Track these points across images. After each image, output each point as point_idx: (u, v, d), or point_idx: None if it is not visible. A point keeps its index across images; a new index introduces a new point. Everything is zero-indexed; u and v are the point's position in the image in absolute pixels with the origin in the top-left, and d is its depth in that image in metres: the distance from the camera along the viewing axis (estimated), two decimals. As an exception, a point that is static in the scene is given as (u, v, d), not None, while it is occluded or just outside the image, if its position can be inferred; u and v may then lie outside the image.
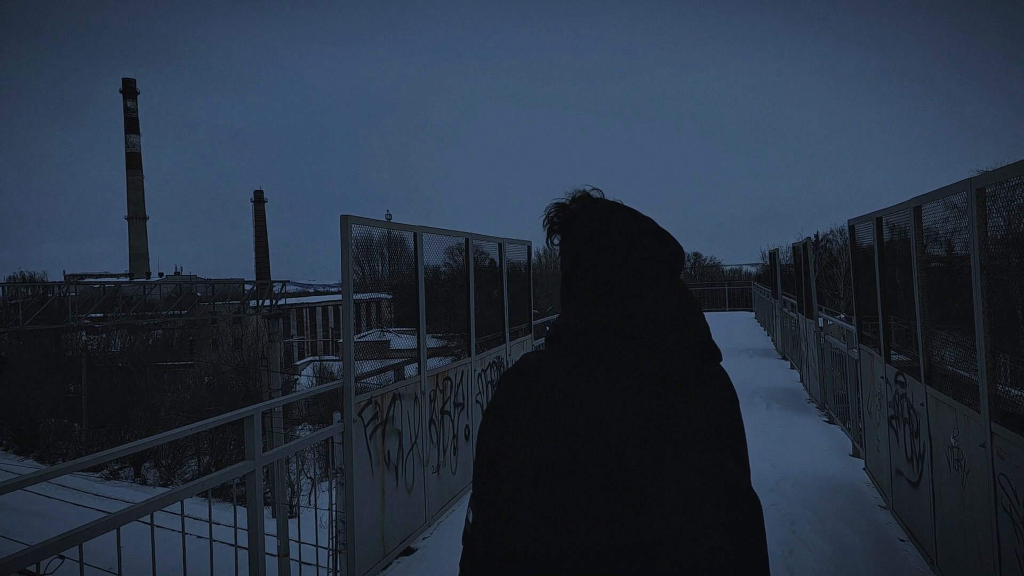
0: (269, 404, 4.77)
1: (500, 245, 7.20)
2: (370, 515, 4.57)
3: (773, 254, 16.38)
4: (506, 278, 7.32)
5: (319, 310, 67.71)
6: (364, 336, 53.68)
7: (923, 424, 4.55)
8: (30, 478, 2.71)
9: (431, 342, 5.65)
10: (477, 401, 6.59)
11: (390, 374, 5.46)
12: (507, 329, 7.38)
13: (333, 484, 4.77)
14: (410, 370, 5.41)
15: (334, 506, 4.76)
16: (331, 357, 49.96)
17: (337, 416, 5.51)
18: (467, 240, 6.32)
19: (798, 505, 5.84)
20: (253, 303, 37.86)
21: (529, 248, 8.30)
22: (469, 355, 6.38)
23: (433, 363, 5.74)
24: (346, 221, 4.33)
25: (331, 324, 66.29)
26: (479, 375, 6.63)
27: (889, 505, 5.65)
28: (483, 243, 6.74)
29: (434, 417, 5.62)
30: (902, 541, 5.11)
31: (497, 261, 7.17)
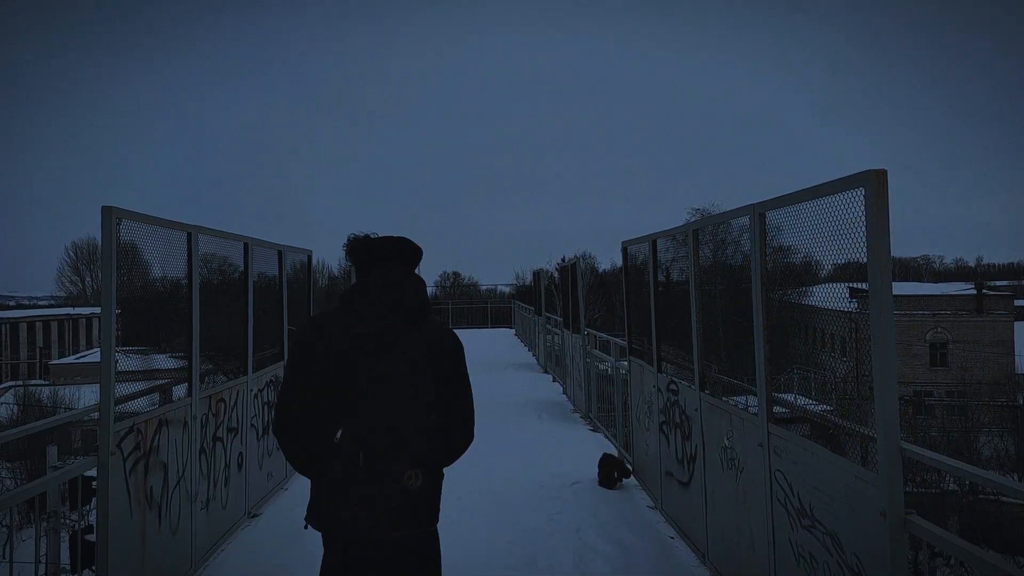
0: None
1: (280, 253, 6.61)
2: (126, 566, 3.81)
3: (537, 274, 17.31)
4: (286, 289, 6.74)
5: (23, 326, 57.40)
6: (84, 355, 46.59)
7: (696, 428, 4.98)
8: None
9: (172, 362, 4.90)
10: (253, 425, 5.92)
11: (144, 400, 4.64)
12: (286, 344, 6.77)
13: (42, 531, 3.92)
14: (178, 392, 4.67)
15: (43, 559, 3.92)
16: (38, 381, 42.56)
17: (53, 452, 4.57)
18: (246, 245, 5.69)
19: (580, 511, 6.09)
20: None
21: (309, 257, 7.76)
22: (246, 373, 5.72)
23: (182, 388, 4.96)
24: (110, 214, 3.60)
25: (39, 343, 56.56)
26: (255, 395, 5.97)
27: (658, 505, 6.12)
28: (263, 249, 6.12)
29: (205, 445, 4.91)
30: (672, 539, 5.54)
31: (276, 270, 6.56)
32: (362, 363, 2.42)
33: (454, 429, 2.59)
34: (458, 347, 2.64)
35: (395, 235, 2.67)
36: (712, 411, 4.67)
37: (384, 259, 2.59)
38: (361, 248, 2.61)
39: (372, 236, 2.65)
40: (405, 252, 2.63)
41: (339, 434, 2.40)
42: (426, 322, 2.57)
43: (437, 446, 2.52)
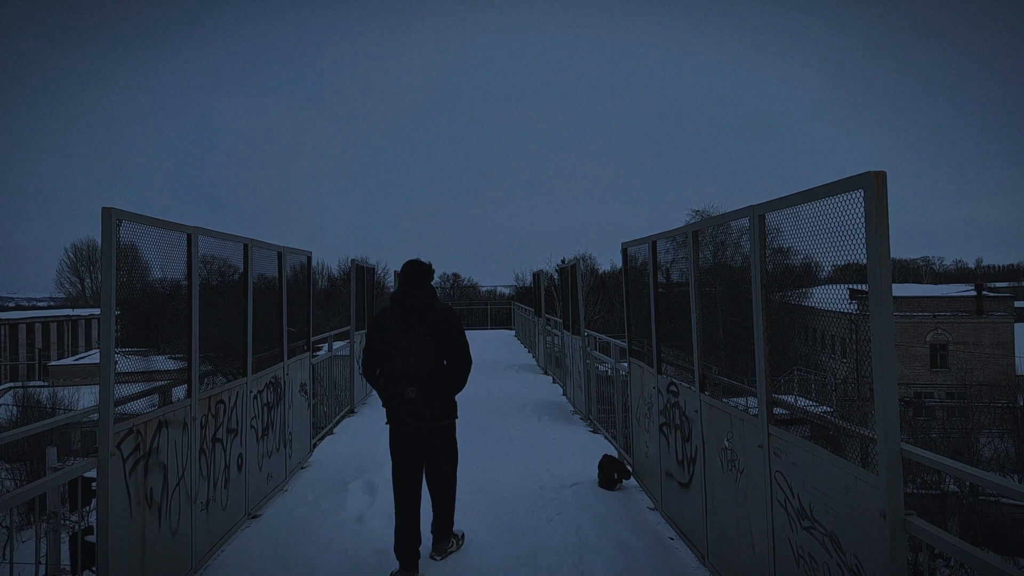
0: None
1: (280, 254, 6.61)
2: (127, 567, 3.81)
3: (537, 276, 17.30)
4: (285, 290, 6.74)
5: (22, 327, 57.40)
6: (83, 357, 46.57)
7: (696, 429, 4.98)
8: None
9: (171, 364, 4.89)
10: (252, 427, 5.91)
11: (144, 401, 4.63)
12: (285, 345, 6.77)
13: (42, 532, 3.92)
14: (178, 393, 4.67)
15: (43, 560, 3.91)
16: (37, 383, 42.55)
17: (53, 453, 4.57)
18: (245, 246, 5.69)
19: (580, 512, 6.09)
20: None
21: (309, 258, 7.75)
22: (245, 375, 5.71)
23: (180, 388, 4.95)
24: (110, 215, 3.60)
25: (38, 344, 56.56)
26: (255, 397, 5.97)
27: (658, 506, 6.12)
28: (263, 251, 6.12)
29: (204, 446, 4.91)
30: (672, 539, 5.54)
31: (276, 271, 6.56)
32: (399, 336, 4.75)
33: (454, 364, 4.84)
34: (452, 317, 4.86)
35: (416, 258, 4.92)
36: (712, 412, 4.67)
37: (408, 275, 4.86)
38: (402, 268, 4.91)
39: (412, 260, 4.91)
40: (417, 270, 4.86)
41: (379, 371, 4.85)
42: (432, 308, 4.80)
43: (445, 375, 4.83)
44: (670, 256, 5.71)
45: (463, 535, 5.30)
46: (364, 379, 5.12)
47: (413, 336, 4.71)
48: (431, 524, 5.10)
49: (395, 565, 4.85)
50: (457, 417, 5.00)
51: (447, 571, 4.92)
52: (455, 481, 5.14)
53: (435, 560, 5.00)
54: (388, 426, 4.87)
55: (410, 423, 4.74)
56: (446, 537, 5.10)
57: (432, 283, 4.92)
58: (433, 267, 4.97)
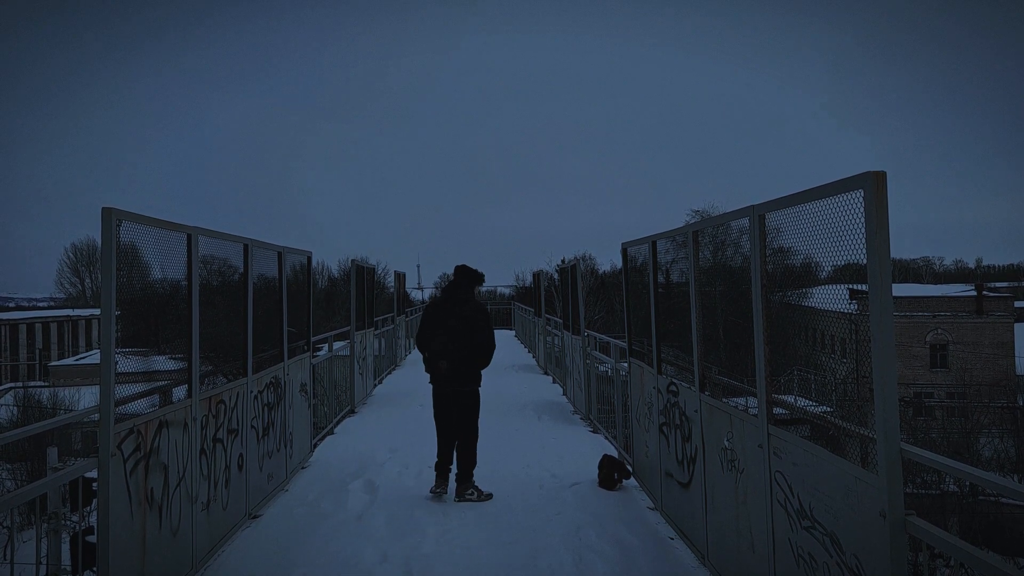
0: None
1: (280, 254, 6.61)
2: (127, 567, 3.81)
3: (537, 276, 17.29)
4: (285, 291, 6.74)
5: (23, 327, 57.41)
6: (83, 357, 46.62)
7: (696, 429, 4.98)
8: None
9: (171, 364, 4.89)
10: (253, 427, 5.91)
11: (144, 401, 4.63)
12: (285, 346, 6.77)
13: (43, 532, 3.92)
14: (178, 393, 4.67)
15: (44, 560, 3.92)
16: (38, 383, 42.59)
17: (53, 453, 4.57)
18: (246, 247, 5.69)
19: (580, 512, 6.08)
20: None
21: (309, 259, 7.75)
22: (245, 375, 5.71)
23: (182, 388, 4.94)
24: (110, 215, 3.60)
25: (38, 344, 56.57)
26: (255, 397, 5.97)
27: (658, 506, 6.12)
28: (263, 251, 6.12)
29: (205, 446, 4.91)
30: (672, 539, 5.54)
31: (276, 272, 6.56)
32: (445, 321, 6.48)
33: (480, 345, 6.45)
34: (480, 311, 6.54)
35: (466, 264, 6.69)
36: (712, 412, 4.67)
37: (457, 276, 6.67)
38: (455, 270, 6.67)
39: (462, 264, 6.70)
40: (463, 273, 6.65)
41: (434, 343, 6.52)
42: (470, 303, 6.51)
43: (470, 353, 6.45)
44: (670, 256, 5.72)
45: (490, 495, 6.45)
46: (417, 348, 7.21)
47: (455, 322, 6.39)
48: (454, 475, 6.50)
49: (395, 566, 4.90)
50: (480, 384, 6.63)
51: (448, 572, 4.92)
52: (474, 445, 6.62)
53: (456, 502, 6.32)
54: (431, 385, 6.63)
55: (445, 385, 6.50)
56: (464, 481, 6.46)
57: (479, 285, 6.69)
58: (483, 275, 6.72)
